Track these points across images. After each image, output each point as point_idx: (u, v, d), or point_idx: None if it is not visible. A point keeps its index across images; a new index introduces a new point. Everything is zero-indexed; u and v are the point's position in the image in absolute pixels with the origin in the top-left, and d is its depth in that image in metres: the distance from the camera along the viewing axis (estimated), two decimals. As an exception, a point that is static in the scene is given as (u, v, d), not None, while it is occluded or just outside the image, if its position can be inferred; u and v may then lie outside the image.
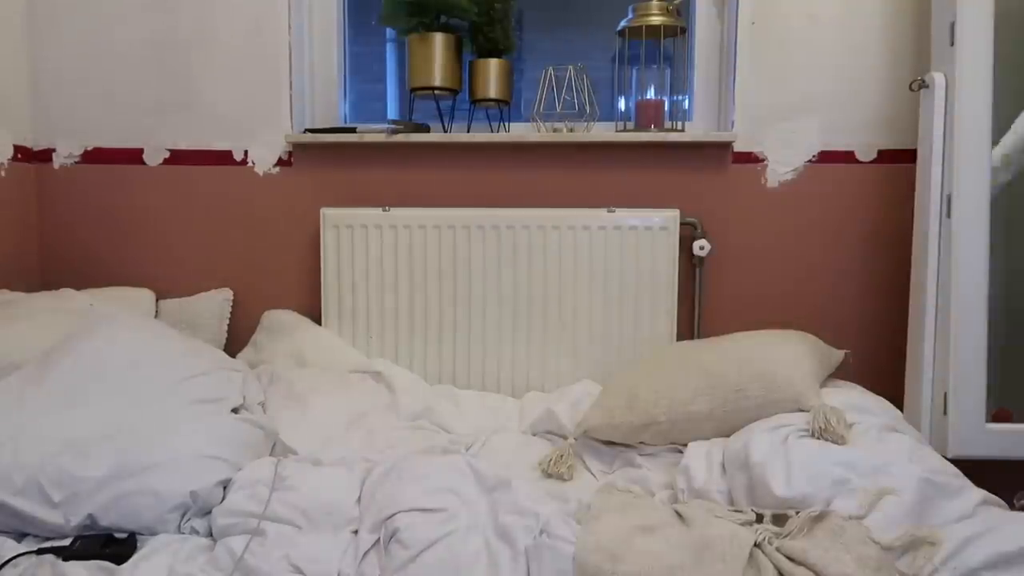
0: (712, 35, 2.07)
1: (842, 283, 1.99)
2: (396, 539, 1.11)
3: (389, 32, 2.31)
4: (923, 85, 1.71)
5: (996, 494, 1.22)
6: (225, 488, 1.26)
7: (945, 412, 1.64)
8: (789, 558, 1.05)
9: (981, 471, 1.40)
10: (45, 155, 2.13)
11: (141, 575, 1.07)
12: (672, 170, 2.00)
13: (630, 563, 1.03)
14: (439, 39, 1.94)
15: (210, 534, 1.20)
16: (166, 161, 2.11)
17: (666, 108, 2.01)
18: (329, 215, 1.98)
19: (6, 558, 1.09)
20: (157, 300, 2.07)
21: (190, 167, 2.10)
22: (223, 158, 2.09)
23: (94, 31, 2.08)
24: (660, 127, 1.99)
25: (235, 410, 1.53)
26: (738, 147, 1.99)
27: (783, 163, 1.98)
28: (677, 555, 1.05)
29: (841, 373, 1.77)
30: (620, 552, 1.05)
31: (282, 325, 2.00)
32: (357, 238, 1.97)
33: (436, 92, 1.99)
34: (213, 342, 2.02)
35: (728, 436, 1.45)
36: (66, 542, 1.15)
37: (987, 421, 1.65)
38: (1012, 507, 1.28)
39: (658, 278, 1.92)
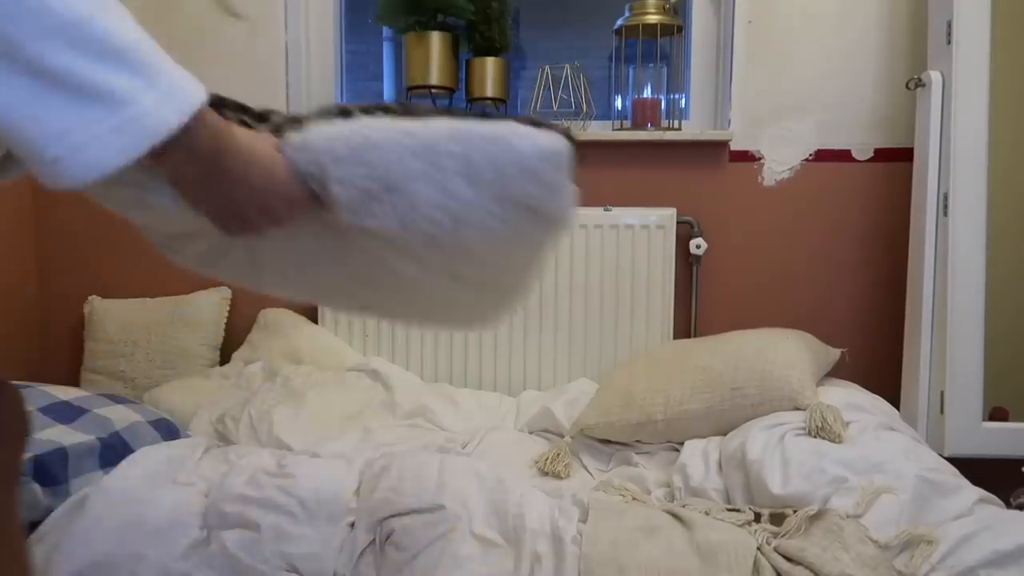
0: (709, 34, 2.06)
1: (839, 282, 1.99)
2: (391, 541, 1.11)
3: (386, 30, 2.31)
4: (920, 84, 1.71)
5: (993, 492, 1.22)
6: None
7: (942, 411, 1.64)
8: (787, 557, 1.05)
9: (978, 470, 1.40)
10: (40, 153, 2.12)
11: (137, 573, 1.07)
12: (669, 169, 2.00)
13: (636, 573, 1.03)
14: (436, 38, 1.94)
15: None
16: (162, 160, 2.10)
17: (663, 107, 2.01)
18: (325, 214, 1.97)
19: None
20: (154, 299, 2.07)
21: (186, 166, 2.09)
22: (219, 157, 2.08)
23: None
24: (657, 126, 1.99)
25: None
26: (735, 146, 1.98)
27: (780, 162, 1.98)
28: (682, 563, 1.04)
29: (838, 371, 1.77)
30: (626, 563, 1.05)
31: (279, 324, 2.00)
32: (354, 237, 1.96)
33: (433, 91, 1.99)
34: (211, 341, 2.01)
35: (725, 434, 1.45)
36: None
37: (984, 420, 1.65)
38: (1009, 505, 1.28)
39: (655, 277, 1.91)
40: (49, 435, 1.29)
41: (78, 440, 1.31)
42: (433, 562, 1.07)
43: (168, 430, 1.52)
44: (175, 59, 0.56)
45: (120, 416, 1.44)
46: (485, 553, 1.10)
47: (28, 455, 1.17)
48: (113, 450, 1.35)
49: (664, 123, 2.01)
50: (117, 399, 1.53)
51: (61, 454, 1.26)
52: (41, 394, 1.42)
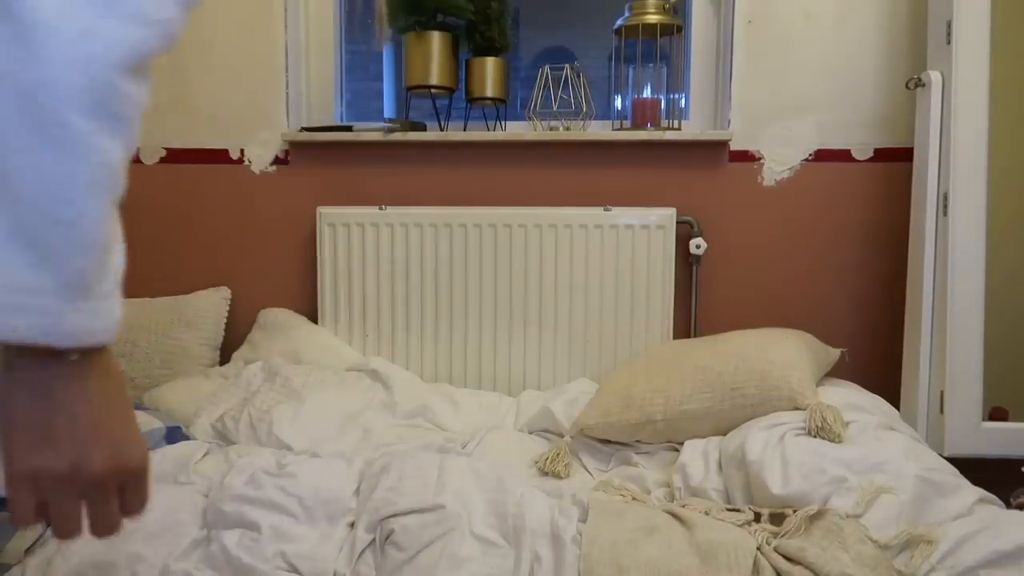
0: (709, 34, 2.07)
1: (838, 281, 1.99)
2: (391, 541, 1.11)
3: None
4: (919, 83, 1.71)
5: (993, 492, 1.22)
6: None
7: (942, 411, 1.64)
8: (787, 557, 1.05)
9: (977, 469, 1.40)
10: (40, 153, 2.12)
11: (137, 573, 1.07)
12: (669, 168, 2.00)
13: (636, 573, 1.03)
14: (436, 37, 1.94)
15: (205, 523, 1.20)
16: (163, 160, 2.10)
17: (662, 106, 2.01)
18: (325, 214, 1.98)
19: None
20: (154, 299, 2.07)
21: (187, 165, 2.10)
22: (220, 156, 2.09)
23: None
24: (656, 125, 1.99)
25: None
26: (734, 145, 1.98)
27: (779, 162, 1.98)
28: (682, 563, 1.04)
29: (837, 371, 1.77)
30: (625, 563, 1.05)
31: (279, 324, 2.00)
32: (353, 237, 1.97)
33: (433, 91, 1.99)
34: (210, 341, 2.01)
35: (725, 434, 1.45)
36: None
37: (983, 419, 1.65)
38: (1009, 505, 1.28)
39: (654, 277, 1.91)
40: None
41: None
42: (433, 562, 1.07)
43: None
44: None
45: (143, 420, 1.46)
46: (485, 553, 1.10)
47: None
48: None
49: (664, 123, 2.01)
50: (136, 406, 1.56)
51: None
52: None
